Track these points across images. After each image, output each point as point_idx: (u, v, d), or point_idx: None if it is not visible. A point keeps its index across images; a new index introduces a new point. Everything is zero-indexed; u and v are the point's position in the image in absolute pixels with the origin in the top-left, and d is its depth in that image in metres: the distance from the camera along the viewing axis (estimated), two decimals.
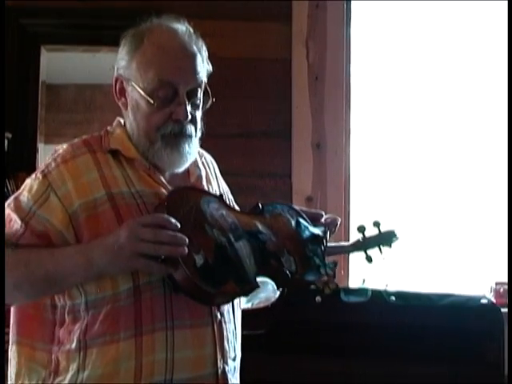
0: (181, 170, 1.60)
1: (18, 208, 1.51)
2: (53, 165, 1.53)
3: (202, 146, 1.65)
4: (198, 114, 1.57)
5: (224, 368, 1.54)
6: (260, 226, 1.59)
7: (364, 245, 1.64)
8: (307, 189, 2.85)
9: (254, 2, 2.86)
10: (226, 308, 1.57)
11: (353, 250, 1.67)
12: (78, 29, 2.85)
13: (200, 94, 1.56)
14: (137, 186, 1.53)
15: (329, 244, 1.66)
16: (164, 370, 1.47)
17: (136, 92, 1.53)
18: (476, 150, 2.98)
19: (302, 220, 1.67)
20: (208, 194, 1.60)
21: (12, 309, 1.56)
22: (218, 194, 1.63)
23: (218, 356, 1.53)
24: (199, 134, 1.59)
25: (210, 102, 1.59)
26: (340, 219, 1.73)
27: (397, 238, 1.65)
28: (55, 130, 2.90)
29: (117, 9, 2.82)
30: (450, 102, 2.99)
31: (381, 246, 1.63)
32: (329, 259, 1.62)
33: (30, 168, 2.76)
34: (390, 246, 1.63)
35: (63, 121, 2.93)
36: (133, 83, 1.54)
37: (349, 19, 2.94)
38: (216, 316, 1.53)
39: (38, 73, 2.85)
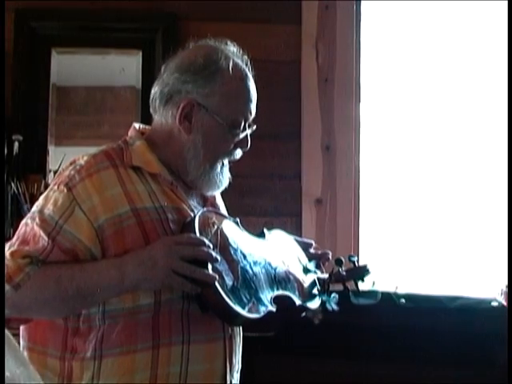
0: (215, 193, 1.68)
1: (43, 222, 1.49)
2: (77, 178, 1.51)
3: None
4: None
5: (231, 381, 1.58)
6: (271, 252, 1.64)
7: (342, 278, 1.74)
8: (317, 191, 2.85)
9: (263, 4, 2.86)
10: None
11: (333, 282, 1.75)
12: (89, 31, 2.85)
13: None
14: (160, 201, 1.55)
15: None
16: (178, 382, 1.49)
17: (213, 120, 1.58)
18: (489, 152, 2.96)
19: (299, 249, 1.77)
20: (228, 218, 1.64)
21: None
22: (236, 219, 1.67)
23: (227, 370, 1.56)
24: None
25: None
26: (330, 253, 1.80)
27: (369, 273, 1.75)
28: (65, 132, 2.90)
29: (127, 11, 2.83)
30: (461, 102, 2.98)
31: (356, 280, 1.74)
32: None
33: (41, 170, 2.78)
34: (363, 280, 1.75)
35: (73, 123, 2.93)
36: (213, 112, 1.58)
37: (358, 20, 2.93)
38: (227, 331, 1.56)
39: (48, 75, 2.85)
